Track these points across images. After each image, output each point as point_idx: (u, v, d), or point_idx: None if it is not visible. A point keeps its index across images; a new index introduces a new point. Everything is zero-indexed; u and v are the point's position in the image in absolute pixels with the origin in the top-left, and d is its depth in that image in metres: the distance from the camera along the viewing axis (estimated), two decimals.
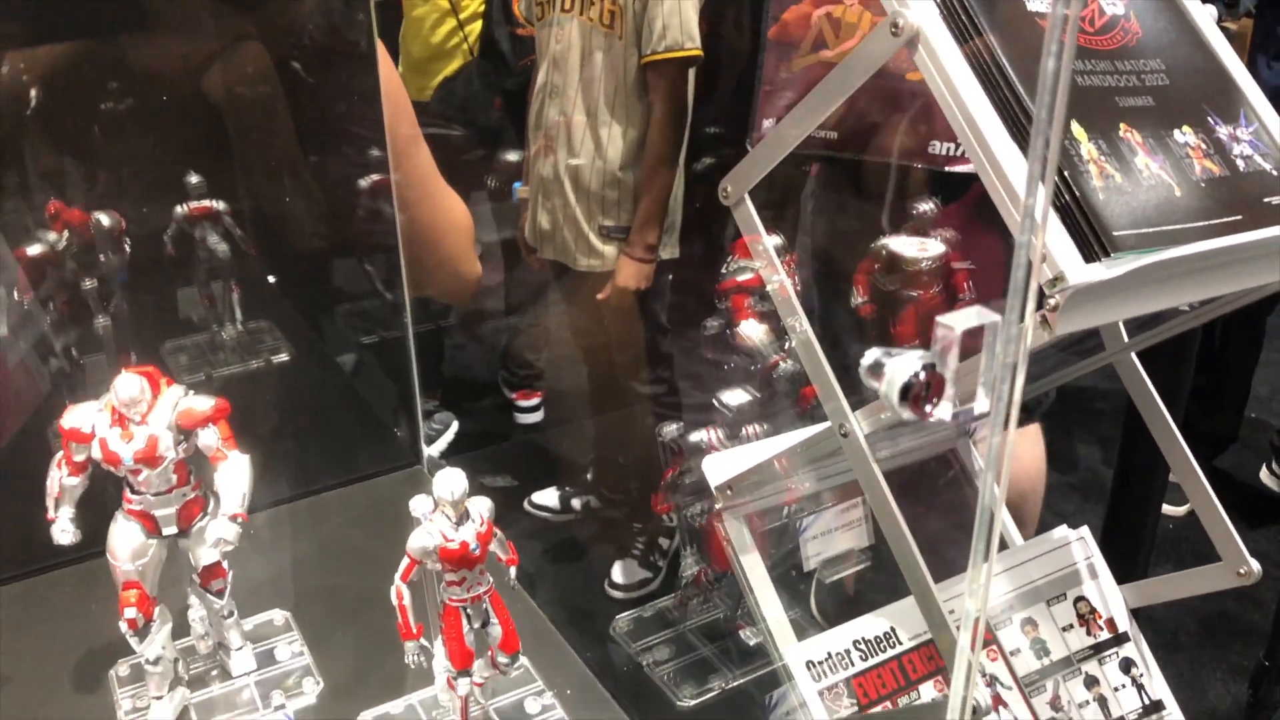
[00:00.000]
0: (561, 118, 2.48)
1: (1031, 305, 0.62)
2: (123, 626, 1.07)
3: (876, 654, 1.37)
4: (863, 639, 1.37)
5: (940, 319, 0.62)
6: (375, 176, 1.57)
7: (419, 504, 1.04)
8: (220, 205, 1.57)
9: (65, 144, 1.48)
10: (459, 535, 1.00)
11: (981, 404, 0.62)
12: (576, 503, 3.05)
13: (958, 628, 1.42)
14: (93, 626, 1.25)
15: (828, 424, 1.26)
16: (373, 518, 1.45)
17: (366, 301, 1.64)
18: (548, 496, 3.04)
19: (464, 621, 1.03)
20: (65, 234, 1.40)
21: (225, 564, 1.13)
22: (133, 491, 1.07)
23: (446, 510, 1.00)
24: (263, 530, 1.38)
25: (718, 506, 1.42)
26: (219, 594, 1.14)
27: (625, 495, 2.87)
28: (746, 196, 1.31)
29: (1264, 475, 3.33)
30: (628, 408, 2.81)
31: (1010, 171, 0.97)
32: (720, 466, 1.46)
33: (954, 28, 1.05)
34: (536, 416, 3.43)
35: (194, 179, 1.55)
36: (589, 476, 3.05)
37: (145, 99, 1.50)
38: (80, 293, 1.44)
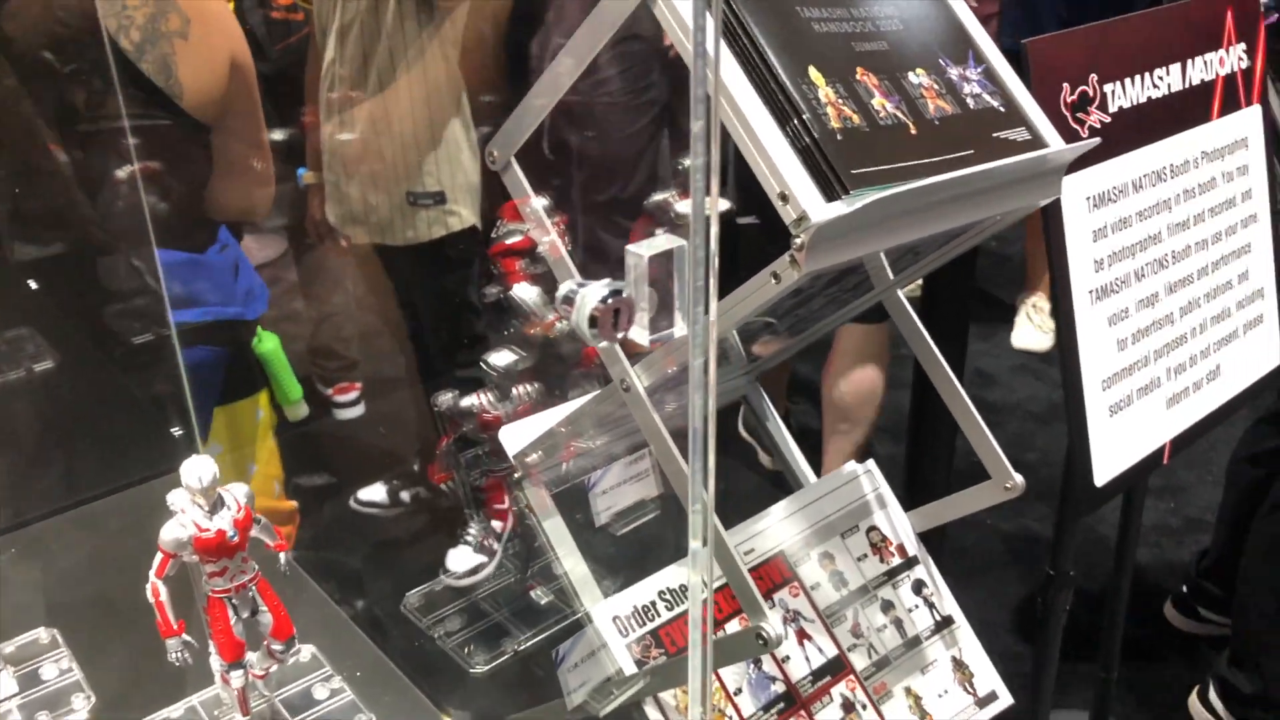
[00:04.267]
0: (357, 93, 2.42)
1: (715, 227, 0.63)
2: None
3: (681, 602, 1.40)
4: (667, 589, 1.40)
5: (630, 246, 0.63)
6: (127, 168, 1.50)
7: (175, 497, 1.00)
8: None
9: None
10: (214, 524, 0.96)
11: (680, 328, 0.64)
12: (406, 495, 2.99)
13: (759, 564, 1.47)
14: None
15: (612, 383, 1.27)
16: (143, 524, 1.37)
17: (128, 301, 1.56)
18: (375, 492, 2.97)
19: (230, 613, 1.00)
20: None
21: None
22: None
23: (198, 499, 0.96)
24: (28, 545, 1.30)
25: (517, 476, 1.42)
26: None
27: (455, 481, 2.84)
28: (513, 159, 1.31)
29: None
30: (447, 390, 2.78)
31: (746, 110, 0.99)
32: (517, 435, 1.46)
33: None
34: (356, 410, 3.34)
35: None
36: (415, 467, 3.00)
37: None
38: None
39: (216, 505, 0.96)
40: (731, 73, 1.02)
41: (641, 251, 0.61)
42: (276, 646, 1.02)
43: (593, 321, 0.59)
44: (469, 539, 2.75)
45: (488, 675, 1.26)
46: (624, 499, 1.35)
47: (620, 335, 0.60)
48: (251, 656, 1.02)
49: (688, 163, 1.58)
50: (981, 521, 2.79)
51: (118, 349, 1.59)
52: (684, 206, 1.57)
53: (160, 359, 1.49)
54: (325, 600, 1.20)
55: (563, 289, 0.62)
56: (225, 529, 0.96)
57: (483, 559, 2.74)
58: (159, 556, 0.97)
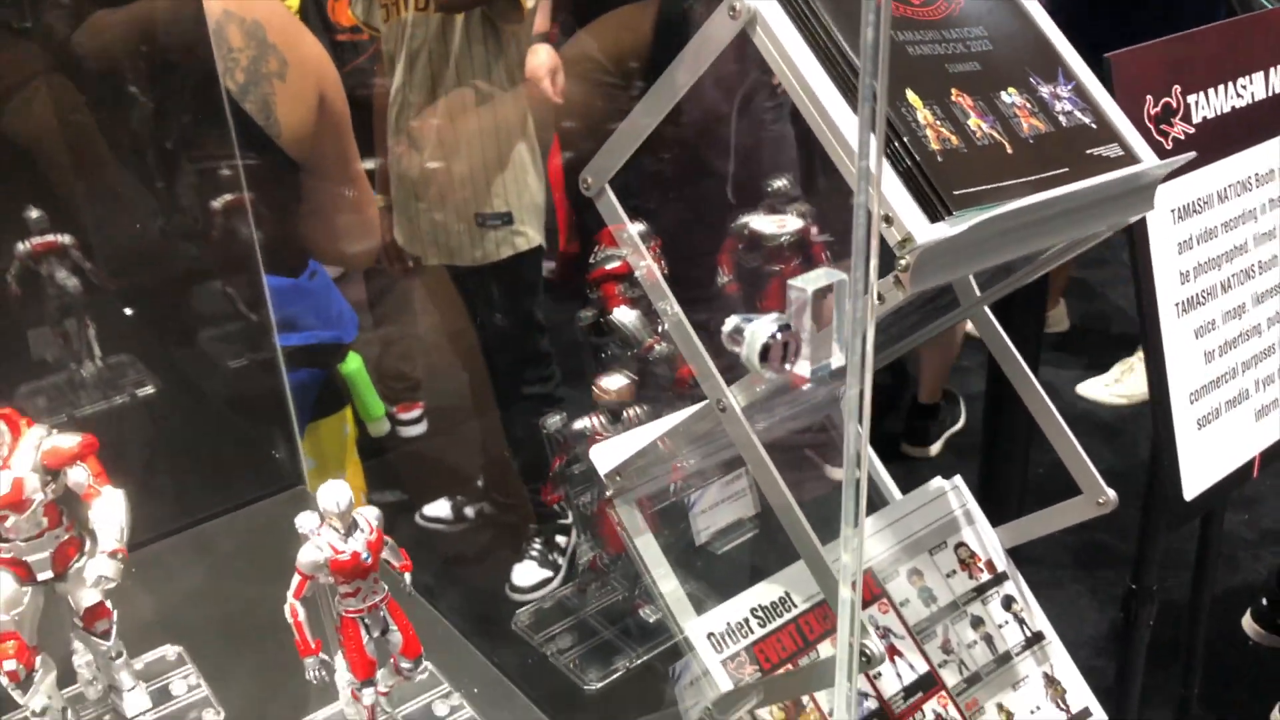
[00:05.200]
0: (425, 117, 2.46)
1: (874, 261, 0.66)
2: (1, 680, 1.03)
3: (774, 619, 1.41)
4: (759, 606, 1.41)
5: (791, 281, 0.66)
6: (228, 196, 1.54)
7: (305, 520, 1.03)
8: (66, 239, 1.52)
9: None
10: (349, 546, 0.99)
11: (838, 359, 0.66)
12: (470, 511, 3.03)
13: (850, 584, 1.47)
14: None
15: (706, 401, 1.29)
16: (258, 542, 1.43)
17: (231, 324, 1.60)
18: (439, 508, 3.01)
19: (362, 632, 1.03)
20: None
21: (108, 603, 1.09)
22: (1, 540, 1.03)
23: (334, 522, 0.99)
24: (146, 567, 1.34)
25: (608, 494, 1.45)
26: (104, 635, 1.11)
27: (517, 498, 2.87)
28: (607, 186, 1.34)
29: None
30: (511, 409, 2.81)
31: (853, 141, 1.01)
32: (607, 454, 1.48)
33: (789, 7, 1.09)
34: (420, 428, 3.39)
35: (34, 214, 1.50)
36: (479, 483, 3.03)
37: None
38: None
39: (351, 528, 0.99)
40: (829, 95, 1.04)
41: (805, 286, 0.63)
42: (405, 664, 1.05)
43: (764, 354, 0.61)
44: (534, 554, 2.78)
45: (601, 692, 1.28)
46: (722, 518, 1.37)
47: (789, 369, 0.63)
48: (378, 673, 1.05)
49: (776, 184, 1.61)
50: (1049, 535, 2.76)
51: (223, 373, 1.64)
52: (763, 226, 1.60)
53: (264, 382, 1.53)
54: (438, 618, 1.23)
55: (730, 323, 0.64)
56: (360, 551, 0.99)
57: (548, 574, 2.76)
58: (296, 579, 1.00)
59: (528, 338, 2.71)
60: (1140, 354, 3.64)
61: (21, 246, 1.49)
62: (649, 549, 1.45)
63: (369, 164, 2.58)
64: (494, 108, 2.44)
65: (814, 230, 1.52)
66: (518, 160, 2.50)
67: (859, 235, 0.61)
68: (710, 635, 1.36)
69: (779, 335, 0.61)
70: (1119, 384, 3.59)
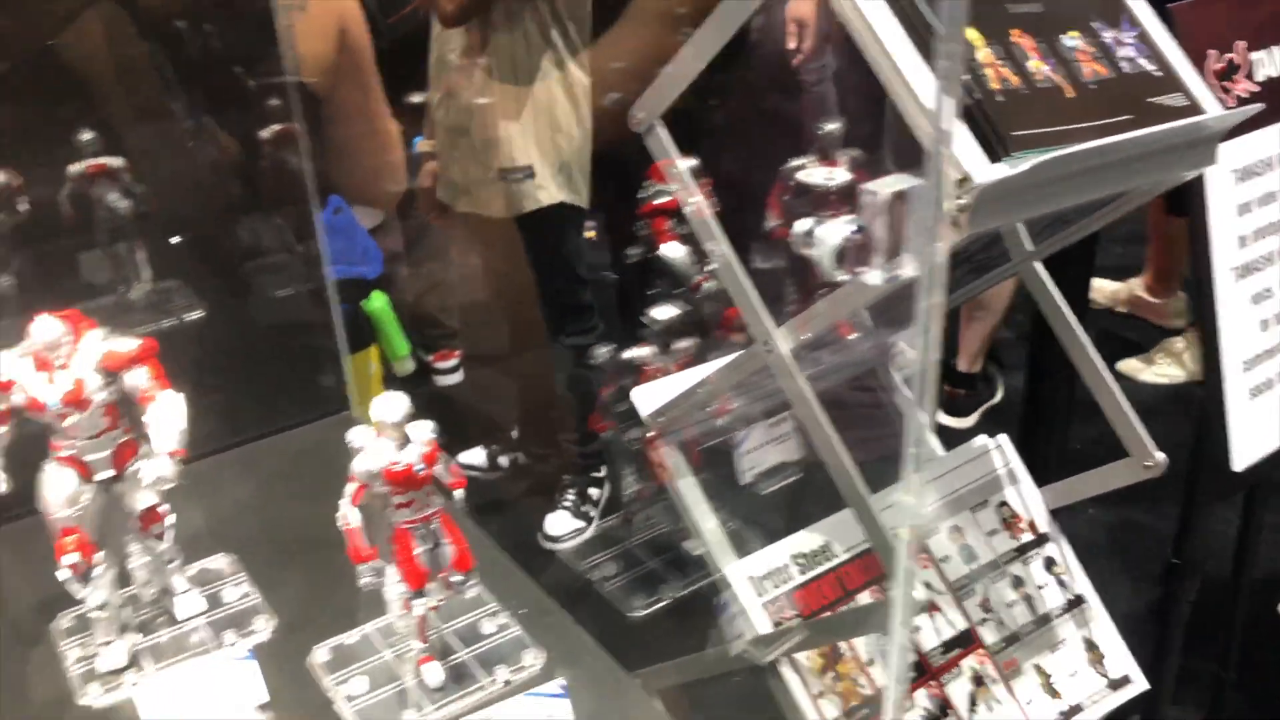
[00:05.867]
0: (464, 66, 2.46)
1: (946, 170, 0.65)
2: (63, 574, 1.06)
3: (815, 567, 1.42)
4: (800, 553, 1.41)
5: (865, 185, 0.65)
6: (278, 125, 1.55)
7: (357, 434, 1.04)
8: (118, 162, 1.53)
9: None
10: (403, 457, 1.01)
11: (909, 268, 0.66)
12: (504, 460, 3.05)
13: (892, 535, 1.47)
14: (26, 586, 1.23)
15: (753, 344, 1.29)
16: (303, 463, 1.45)
17: (280, 253, 1.62)
18: (474, 455, 3.03)
19: (415, 543, 1.04)
20: None
21: (164, 507, 1.11)
22: (62, 438, 1.05)
23: (389, 433, 1.01)
24: (195, 481, 1.35)
25: (649, 434, 1.45)
26: (159, 537, 1.13)
27: (552, 448, 2.88)
28: (657, 121, 1.33)
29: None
30: (549, 361, 2.81)
31: (916, 82, 1.00)
32: (650, 396, 1.49)
33: None
34: (456, 377, 3.40)
35: (86, 136, 1.51)
36: (514, 433, 3.05)
37: (27, 56, 1.46)
38: None
39: (404, 441, 1.01)
40: (891, 32, 1.02)
41: (879, 189, 0.63)
42: (456, 578, 1.06)
43: (840, 256, 0.61)
44: (567, 504, 2.80)
45: (644, 620, 1.29)
46: (767, 459, 1.37)
47: (861, 270, 0.63)
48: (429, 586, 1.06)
49: (828, 127, 1.58)
50: (1083, 510, 2.73)
51: (271, 300, 1.66)
52: (811, 172, 1.58)
53: (312, 310, 1.54)
54: (484, 539, 1.24)
55: (802, 225, 0.64)
56: (414, 462, 1.00)
57: (580, 524, 2.78)
58: (352, 485, 1.02)
59: (562, 290, 2.71)
60: (1183, 339, 3.59)
61: (74, 168, 1.50)
62: (690, 490, 1.45)
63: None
64: (527, 62, 2.43)
65: (863, 176, 1.50)
66: (547, 116, 2.49)
67: (933, 144, 0.61)
68: (751, 578, 1.37)
69: (853, 236, 0.60)
70: (1159, 364, 3.54)
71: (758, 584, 1.37)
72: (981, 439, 1.58)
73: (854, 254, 0.62)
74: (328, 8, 1.76)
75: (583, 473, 2.74)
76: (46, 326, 1.00)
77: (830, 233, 0.62)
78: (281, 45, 1.49)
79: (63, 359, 1.01)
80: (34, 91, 1.47)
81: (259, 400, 1.26)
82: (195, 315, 1.61)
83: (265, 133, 1.63)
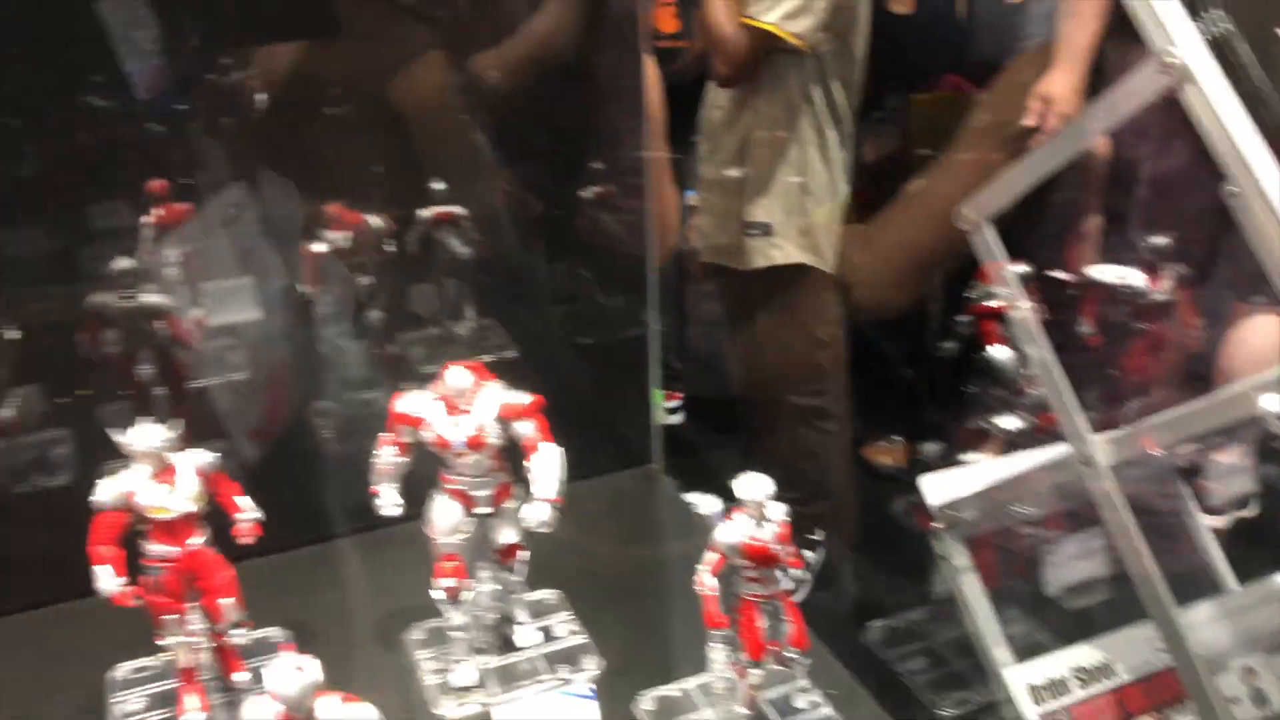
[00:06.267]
0: (730, 123, 2.55)
1: None
2: (437, 594, 1.17)
3: (1094, 683, 1.39)
4: (1081, 667, 1.39)
5: None
6: (627, 179, 1.66)
7: (706, 503, 1.12)
8: (461, 210, 1.68)
9: (325, 146, 1.60)
10: (762, 534, 1.07)
11: None
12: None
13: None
14: (385, 591, 1.36)
15: (1061, 450, 1.30)
16: (615, 512, 1.54)
17: (601, 302, 1.72)
18: (694, 498, 3.10)
19: (759, 616, 1.10)
20: (343, 234, 1.52)
21: (524, 543, 1.22)
22: (454, 473, 1.16)
23: (751, 510, 1.07)
24: None
25: (934, 525, 1.47)
26: (513, 570, 1.24)
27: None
28: (986, 223, 1.36)
29: None
30: (773, 418, 2.85)
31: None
32: (940, 486, 1.51)
33: (1224, 65, 1.07)
34: (678, 418, 3.49)
35: (439, 185, 1.66)
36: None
37: (394, 111, 1.62)
38: (356, 288, 1.55)
39: (762, 517, 1.07)
40: (1263, 162, 1.02)
41: None
42: (790, 655, 1.12)
43: None
44: None
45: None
46: (1076, 573, 1.38)
47: None
48: None
49: (1154, 241, 1.57)
50: None
51: (586, 346, 1.77)
52: (1134, 280, 1.57)
53: (631, 358, 1.63)
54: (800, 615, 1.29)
55: (1273, 403, 0.66)
56: (770, 541, 1.07)
57: (788, 585, 2.81)
58: (713, 556, 1.09)
59: (795, 348, 2.75)
60: None
61: (423, 213, 1.66)
62: (972, 587, 1.46)
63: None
64: (786, 122, 2.49)
65: (1188, 292, 1.49)
66: (798, 176, 2.54)
67: None
68: (1030, 686, 1.37)
69: None
70: None
71: (1036, 693, 1.36)
72: None
73: None
74: None
75: (799, 533, 2.76)
76: (458, 375, 1.12)
77: None
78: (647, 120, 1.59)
79: (467, 405, 1.13)
80: (397, 142, 1.63)
81: (568, 444, 1.35)
82: (509, 354, 1.73)
83: (600, 190, 1.75)
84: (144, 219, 1.46)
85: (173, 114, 1.50)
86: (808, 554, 2.70)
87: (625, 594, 1.36)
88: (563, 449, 1.20)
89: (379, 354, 1.62)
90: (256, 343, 1.54)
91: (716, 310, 3.01)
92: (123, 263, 1.40)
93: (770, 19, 2.26)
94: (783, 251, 2.58)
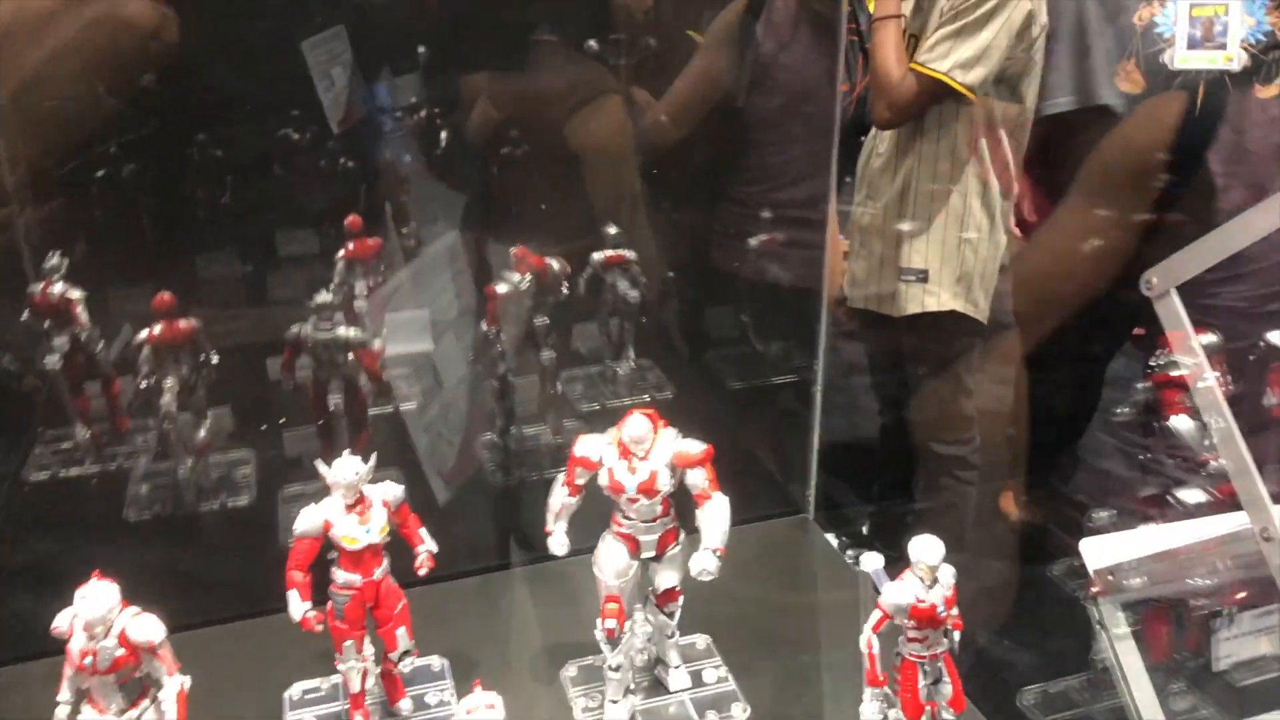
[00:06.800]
0: (882, 169, 2.55)
1: None
2: (599, 635, 1.21)
3: None
4: None
5: None
6: (808, 226, 1.68)
7: (870, 561, 1.12)
8: (630, 254, 1.73)
9: (513, 188, 1.67)
10: (930, 596, 1.07)
11: None
12: (850, 555, 3.07)
13: None
14: (544, 625, 1.41)
15: (1236, 520, 1.26)
16: (767, 559, 1.55)
17: (769, 347, 1.74)
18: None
19: (920, 677, 1.10)
20: (527, 276, 1.59)
21: (680, 588, 1.25)
22: (624, 517, 1.20)
23: (921, 572, 1.08)
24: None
25: (1094, 590, 1.44)
26: (671, 615, 1.26)
27: (902, 555, 2.88)
28: (1173, 291, 1.33)
29: None
30: (922, 463, 2.82)
31: None
32: (1101, 550, 1.47)
33: None
34: None
35: (613, 230, 1.72)
36: (865, 530, 3.07)
37: (565, 152, 1.68)
38: (532, 328, 1.62)
39: (934, 580, 1.08)
40: None
41: None
42: (948, 716, 1.12)
43: None
44: None
45: None
46: (1248, 649, 1.33)
47: None
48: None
49: None
50: None
51: (744, 392, 1.79)
52: None
53: (793, 404, 1.65)
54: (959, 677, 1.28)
55: None
56: (937, 604, 1.07)
57: None
58: (877, 614, 1.10)
59: (943, 396, 2.71)
60: None
61: (596, 256, 1.72)
62: (1129, 656, 1.43)
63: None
64: (948, 169, 2.47)
65: None
66: (957, 224, 2.51)
67: None
68: None
69: None
70: None
71: None
72: None
73: None
74: None
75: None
76: (637, 423, 1.16)
77: None
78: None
79: (644, 451, 1.16)
80: (575, 185, 1.70)
81: (728, 487, 1.37)
82: (665, 395, 1.77)
83: (778, 236, 1.78)
84: (339, 254, 1.56)
85: (369, 150, 1.60)
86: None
87: (775, 642, 1.37)
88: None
89: (547, 392, 1.68)
90: (440, 378, 1.62)
91: (857, 356, 3.01)
92: (323, 296, 1.49)
93: (942, 68, 2.24)
94: (937, 299, 2.56)
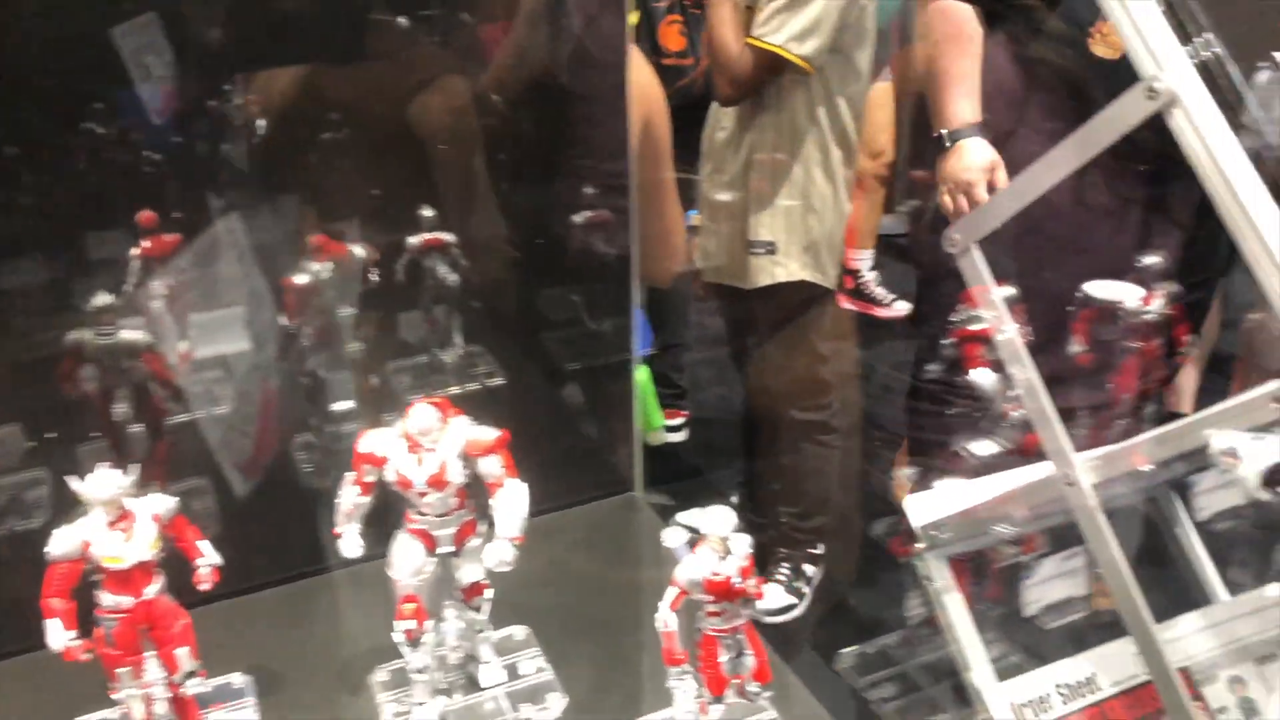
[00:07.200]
0: (728, 141, 2.54)
1: None
2: (397, 637, 1.16)
3: (1078, 699, 1.38)
4: (1064, 683, 1.38)
5: None
6: (600, 209, 1.65)
7: (671, 536, 1.10)
8: (450, 237, 1.67)
9: (315, 178, 1.59)
10: (725, 568, 1.05)
11: None
12: None
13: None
14: (354, 631, 1.35)
15: (1045, 471, 1.28)
16: (593, 542, 1.52)
17: (590, 330, 1.70)
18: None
19: (721, 651, 1.08)
20: (327, 264, 1.51)
21: (487, 581, 1.21)
22: (416, 512, 1.15)
23: (714, 544, 1.06)
24: None
25: (919, 546, 1.45)
26: (478, 609, 1.22)
27: (770, 519, 2.90)
28: (974, 246, 1.34)
29: None
30: (778, 433, 2.84)
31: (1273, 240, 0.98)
32: (924, 507, 1.49)
33: (1214, 91, 1.06)
34: (681, 436, 3.48)
35: (428, 212, 1.65)
36: (734, 499, 3.08)
37: (383, 136, 1.61)
38: (334, 319, 1.55)
39: (726, 552, 1.06)
40: (1251, 188, 1.01)
41: None
42: (753, 688, 1.10)
43: (1269, 478, 0.61)
44: (780, 578, 2.80)
45: None
46: (1055, 593, 1.35)
47: None
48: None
49: (1145, 260, 1.55)
50: None
51: (571, 373, 1.75)
52: (1125, 298, 1.55)
53: (610, 387, 1.62)
54: (763, 646, 1.27)
55: (1225, 440, 0.65)
56: (732, 576, 1.05)
57: (792, 600, 2.78)
58: (673, 591, 1.07)
59: (799, 364, 2.73)
60: None
61: (412, 240, 1.65)
62: (956, 607, 1.45)
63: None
64: (790, 142, 2.48)
65: (1179, 310, 1.47)
66: (801, 195, 2.52)
67: None
68: (1012, 704, 1.35)
69: None
70: None
71: (1018, 710, 1.35)
72: (1276, 587, 1.50)
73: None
74: (636, 99, 1.87)
75: (799, 547, 2.74)
76: (422, 413, 1.11)
77: (1259, 453, 0.62)
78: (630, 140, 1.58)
79: (431, 443, 1.11)
80: (385, 170, 1.63)
81: (550, 472, 1.34)
82: (497, 381, 1.72)
83: (588, 214, 1.74)
84: (133, 251, 1.46)
85: (169, 142, 1.50)
86: (809, 568, 2.69)
87: (596, 628, 1.35)
88: (544, 478, 1.18)
89: (363, 385, 1.61)
90: (236, 377, 1.53)
91: (719, 329, 3.01)
92: (102, 298, 1.39)
93: (777, 40, 2.24)
94: (786, 269, 2.57)
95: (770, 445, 2.90)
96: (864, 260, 3.98)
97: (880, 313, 3.95)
